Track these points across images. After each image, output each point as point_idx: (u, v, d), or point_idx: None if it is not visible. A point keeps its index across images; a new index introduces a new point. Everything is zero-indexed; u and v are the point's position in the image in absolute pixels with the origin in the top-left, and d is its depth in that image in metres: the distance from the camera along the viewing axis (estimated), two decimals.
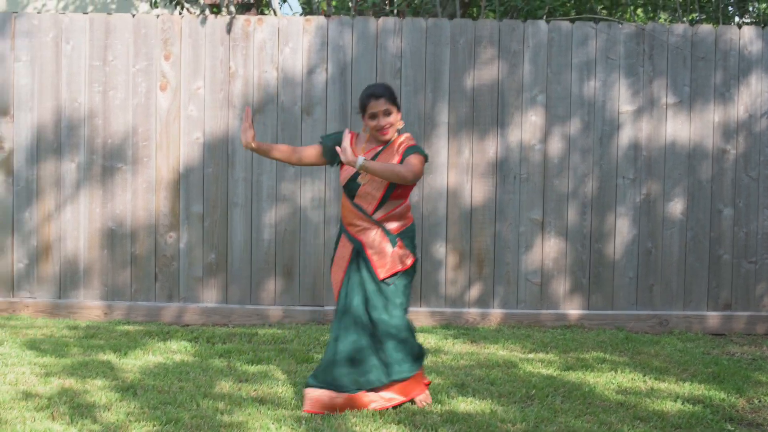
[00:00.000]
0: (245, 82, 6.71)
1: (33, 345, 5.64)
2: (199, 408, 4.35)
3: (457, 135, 6.72)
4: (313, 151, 4.64)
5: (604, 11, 10.21)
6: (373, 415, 4.29)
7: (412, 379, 4.47)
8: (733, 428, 4.24)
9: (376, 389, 4.42)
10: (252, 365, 5.28)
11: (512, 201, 6.73)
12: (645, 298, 6.76)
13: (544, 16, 9.34)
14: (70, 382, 4.75)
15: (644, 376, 5.17)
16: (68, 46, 6.68)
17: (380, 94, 4.44)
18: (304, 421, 4.17)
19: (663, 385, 4.97)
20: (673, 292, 6.76)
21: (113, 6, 10.17)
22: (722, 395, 4.76)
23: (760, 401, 4.70)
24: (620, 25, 6.75)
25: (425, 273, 6.70)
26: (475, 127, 6.72)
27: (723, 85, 6.74)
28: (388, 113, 4.45)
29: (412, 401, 4.50)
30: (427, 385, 4.65)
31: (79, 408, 4.28)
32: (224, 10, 7.12)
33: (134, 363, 5.25)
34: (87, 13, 6.75)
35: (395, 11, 9.43)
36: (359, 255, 4.46)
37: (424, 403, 4.49)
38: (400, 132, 4.56)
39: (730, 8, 10.17)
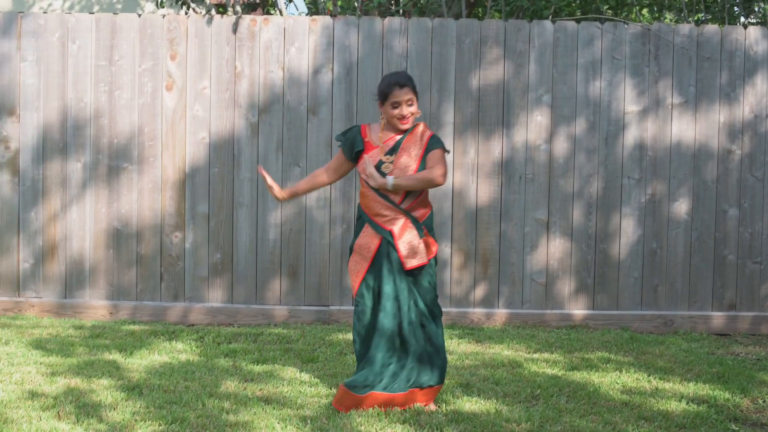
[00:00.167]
0: (251, 82, 6.72)
1: (39, 344, 5.66)
2: (205, 407, 4.35)
3: (462, 135, 6.72)
4: (339, 159, 4.63)
5: (609, 11, 10.20)
6: (378, 414, 4.29)
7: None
8: (737, 428, 4.24)
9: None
10: (257, 365, 5.29)
11: (517, 201, 6.73)
12: (650, 299, 6.76)
13: (550, 16, 9.32)
14: (76, 382, 4.76)
15: (649, 376, 5.17)
16: (74, 46, 6.70)
17: (404, 83, 4.39)
18: (309, 421, 4.18)
19: (668, 385, 4.97)
20: (678, 293, 6.75)
21: (119, 6, 10.18)
22: (727, 395, 4.75)
23: (764, 401, 4.70)
24: (626, 26, 6.75)
25: None
26: (481, 127, 6.72)
27: (728, 86, 6.73)
28: (410, 103, 4.41)
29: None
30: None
31: (84, 407, 4.29)
32: (230, 9, 7.12)
33: (140, 362, 5.27)
34: (93, 13, 6.76)
35: (401, 11, 9.43)
36: (389, 245, 4.41)
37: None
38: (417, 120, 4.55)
39: (735, 8, 10.15)
